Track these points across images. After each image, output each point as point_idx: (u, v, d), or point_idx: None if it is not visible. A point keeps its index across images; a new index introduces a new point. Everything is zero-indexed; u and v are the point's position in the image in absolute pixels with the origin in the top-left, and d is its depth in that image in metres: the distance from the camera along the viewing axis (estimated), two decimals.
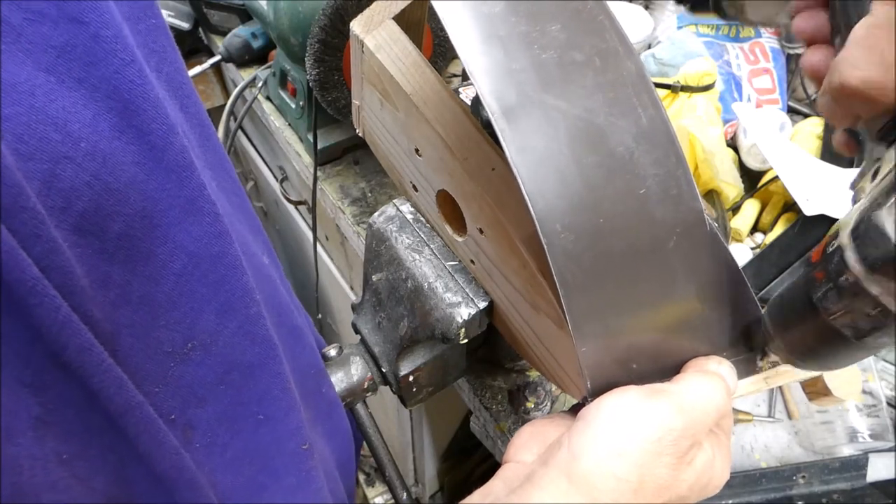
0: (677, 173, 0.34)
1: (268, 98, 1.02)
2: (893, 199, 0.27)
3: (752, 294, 0.38)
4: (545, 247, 0.31)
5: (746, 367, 0.40)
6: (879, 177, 0.31)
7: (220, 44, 1.10)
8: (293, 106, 0.94)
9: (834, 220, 0.79)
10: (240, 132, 1.34)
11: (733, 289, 0.37)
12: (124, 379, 0.28)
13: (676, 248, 0.34)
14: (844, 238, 0.29)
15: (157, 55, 0.33)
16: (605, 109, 0.33)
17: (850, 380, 0.48)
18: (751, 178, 0.90)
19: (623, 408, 0.33)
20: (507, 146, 0.31)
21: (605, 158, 0.33)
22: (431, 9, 0.39)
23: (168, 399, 0.32)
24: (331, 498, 0.46)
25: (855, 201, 0.36)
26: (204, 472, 0.34)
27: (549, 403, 0.65)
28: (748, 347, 0.40)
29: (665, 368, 0.37)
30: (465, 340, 0.48)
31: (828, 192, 0.82)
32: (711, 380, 0.35)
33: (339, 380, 0.53)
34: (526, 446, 0.38)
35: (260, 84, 1.01)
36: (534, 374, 0.65)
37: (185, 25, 1.17)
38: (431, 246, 0.51)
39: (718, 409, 0.34)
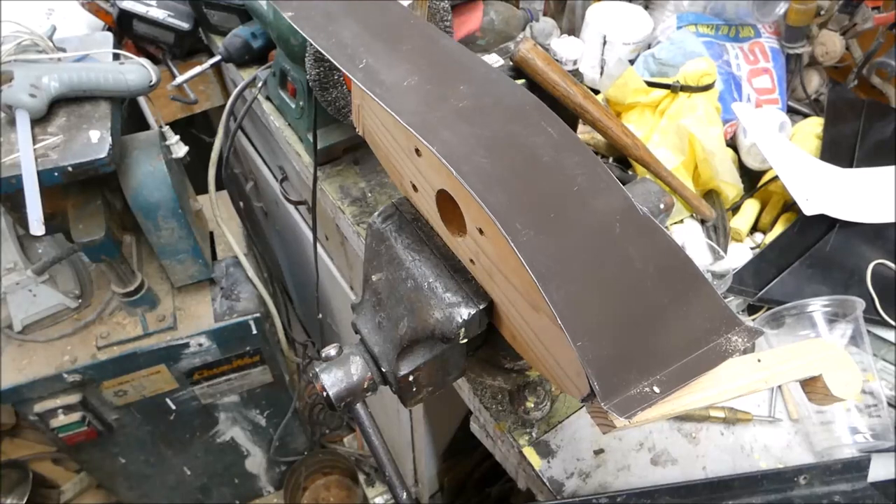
0: (598, 171, 0.41)
1: (268, 98, 1.02)
2: None
3: (702, 275, 0.41)
4: (511, 245, 0.36)
5: (717, 354, 0.39)
6: None
7: (220, 44, 1.10)
8: (293, 106, 0.94)
9: (834, 220, 0.80)
10: (240, 132, 1.34)
11: (684, 269, 0.40)
12: None
13: (623, 231, 0.39)
14: None
15: None
16: (523, 132, 0.42)
17: (850, 380, 0.47)
18: (751, 178, 0.90)
19: None
20: (450, 169, 0.37)
21: (537, 165, 0.41)
22: (431, 9, 0.40)
23: None
24: None
25: None
26: None
27: (548, 403, 0.65)
28: (715, 333, 0.40)
29: (655, 361, 0.38)
30: (465, 340, 0.48)
31: (827, 191, 0.82)
32: None
33: (339, 379, 0.53)
34: None
35: (260, 84, 1.01)
36: (534, 374, 0.65)
37: (185, 25, 1.17)
38: (431, 246, 0.51)
39: None
